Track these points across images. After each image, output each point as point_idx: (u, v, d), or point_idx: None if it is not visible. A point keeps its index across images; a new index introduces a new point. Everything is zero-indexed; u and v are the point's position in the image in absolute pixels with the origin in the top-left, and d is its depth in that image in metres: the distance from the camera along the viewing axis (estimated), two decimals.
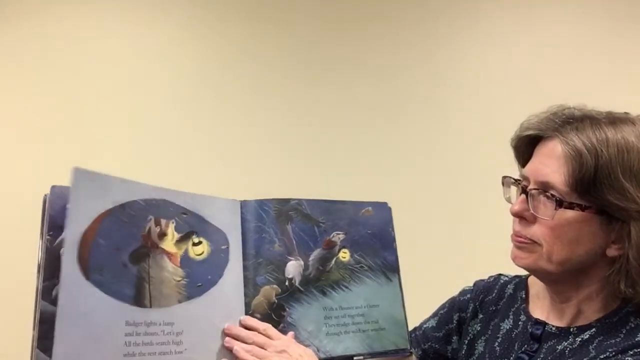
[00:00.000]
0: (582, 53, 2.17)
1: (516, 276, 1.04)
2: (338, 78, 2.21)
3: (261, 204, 1.01)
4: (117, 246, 0.83)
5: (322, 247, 1.04)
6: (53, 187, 0.81)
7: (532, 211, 0.83)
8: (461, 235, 2.01)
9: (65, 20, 2.06)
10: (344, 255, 1.05)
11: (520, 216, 0.85)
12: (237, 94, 2.15)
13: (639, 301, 0.82)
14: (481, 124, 2.13)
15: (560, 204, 0.79)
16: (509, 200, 0.90)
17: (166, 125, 2.08)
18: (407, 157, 2.11)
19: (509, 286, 1.03)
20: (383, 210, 1.12)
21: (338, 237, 1.06)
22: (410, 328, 1.06)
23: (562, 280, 0.86)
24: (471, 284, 1.10)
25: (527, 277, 1.01)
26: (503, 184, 0.91)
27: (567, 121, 0.82)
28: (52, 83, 2.03)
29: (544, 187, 0.82)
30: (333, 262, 1.04)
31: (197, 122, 2.12)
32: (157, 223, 0.90)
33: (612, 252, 0.81)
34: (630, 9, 2.19)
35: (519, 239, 0.86)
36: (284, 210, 1.02)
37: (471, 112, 2.16)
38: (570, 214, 0.80)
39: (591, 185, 0.78)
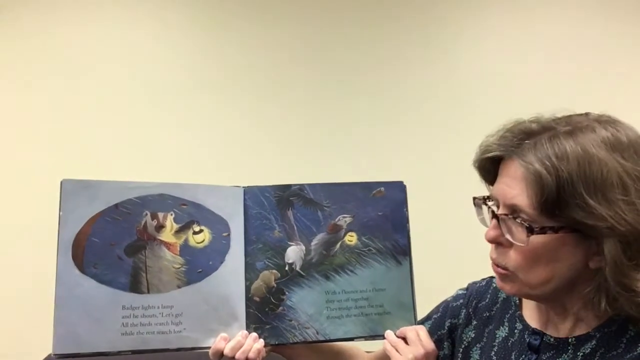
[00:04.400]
0: (589, 53, 2.08)
1: None
2: (346, 64, 2.14)
3: (263, 190, 1.04)
4: (111, 242, 0.95)
5: (327, 232, 1.03)
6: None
7: (506, 236, 0.78)
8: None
9: (66, 20, 2.13)
10: (351, 238, 1.04)
11: (497, 242, 0.81)
12: (241, 85, 2.11)
13: (627, 313, 0.76)
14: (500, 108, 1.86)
15: (531, 230, 0.74)
16: (482, 221, 0.86)
17: (168, 125, 2.09)
18: (425, 141, 2.08)
19: (501, 290, 0.95)
20: (397, 189, 1.06)
21: (344, 220, 1.04)
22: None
23: (553, 297, 0.81)
24: (466, 285, 1.05)
25: None
26: (474, 204, 0.87)
27: (524, 138, 0.76)
28: (54, 83, 2.11)
29: (513, 211, 0.77)
30: (338, 246, 1.03)
31: (204, 114, 2.11)
32: (154, 217, 0.99)
33: (594, 264, 0.75)
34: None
35: (499, 269, 0.82)
36: (284, 196, 1.03)
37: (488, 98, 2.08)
38: (543, 238, 0.75)
39: (556, 206, 0.73)
